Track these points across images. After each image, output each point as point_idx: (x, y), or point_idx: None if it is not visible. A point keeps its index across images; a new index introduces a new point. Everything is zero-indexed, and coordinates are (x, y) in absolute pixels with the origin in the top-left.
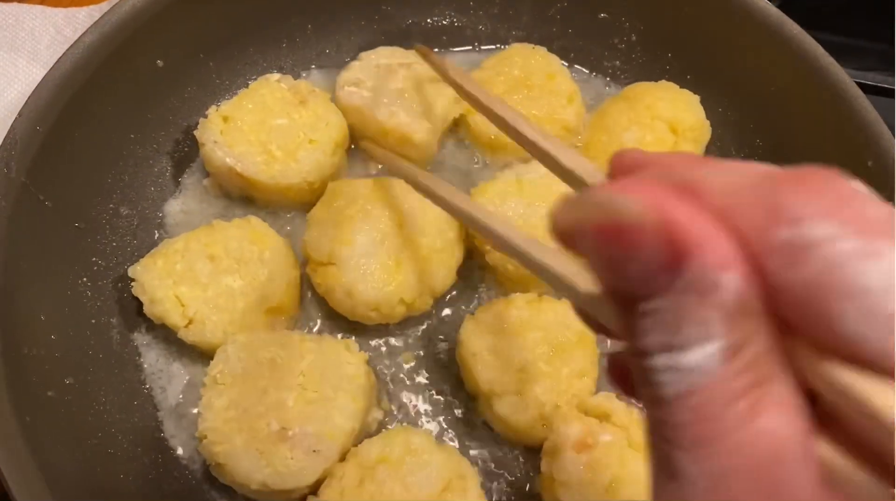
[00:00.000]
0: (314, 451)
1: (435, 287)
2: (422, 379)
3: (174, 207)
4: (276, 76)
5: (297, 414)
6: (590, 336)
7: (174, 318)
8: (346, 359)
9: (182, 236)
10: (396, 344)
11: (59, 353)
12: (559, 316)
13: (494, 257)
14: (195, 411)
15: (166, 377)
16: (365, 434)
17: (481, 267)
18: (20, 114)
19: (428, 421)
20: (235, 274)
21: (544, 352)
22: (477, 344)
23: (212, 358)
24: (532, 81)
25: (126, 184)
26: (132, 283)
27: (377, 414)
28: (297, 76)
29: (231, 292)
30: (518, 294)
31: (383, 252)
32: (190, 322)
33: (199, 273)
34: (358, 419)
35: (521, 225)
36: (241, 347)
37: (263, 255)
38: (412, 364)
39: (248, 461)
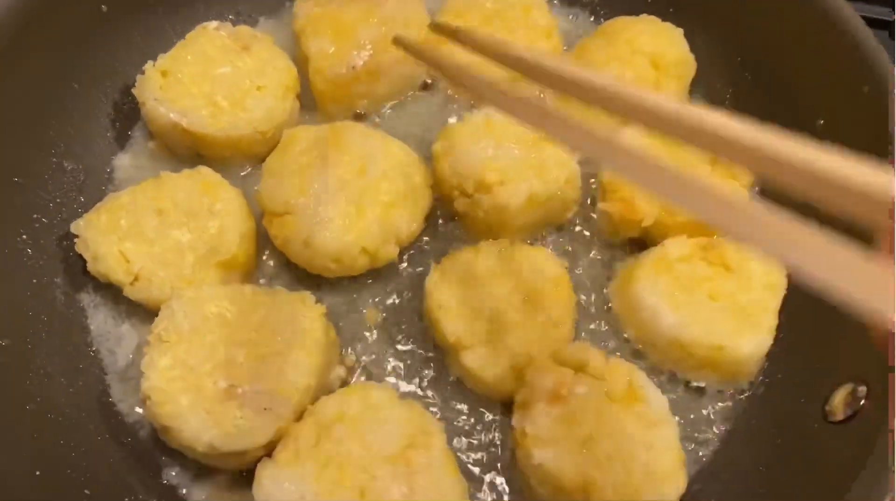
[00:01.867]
0: (265, 409)
1: (400, 235)
2: (388, 334)
3: (124, 161)
4: (213, 24)
5: (247, 371)
6: (565, 281)
7: (119, 275)
8: (301, 313)
9: (128, 190)
10: (360, 300)
11: None
12: (532, 263)
13: (464, 203)
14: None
15: (114, 338)
16: (326, 392)
17: (450, 217)
18: None
19: (397, 379)
20: (184, 228)
21: (516, 301)
22: (444, 294)
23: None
24: (507, 14)
25: (70, 138)
26: (75, 240)
27: (339, 372)
28: (254, 23)
29: (179, 246)
30: (488, 241)
31: (343, 199)
32: (135, 278)
33: (146, 227)
34: (314, 375)
35: (491, 166)
36: (187, 302)
37: (214, 207)
38: (378, 319)
39: (194, 421)
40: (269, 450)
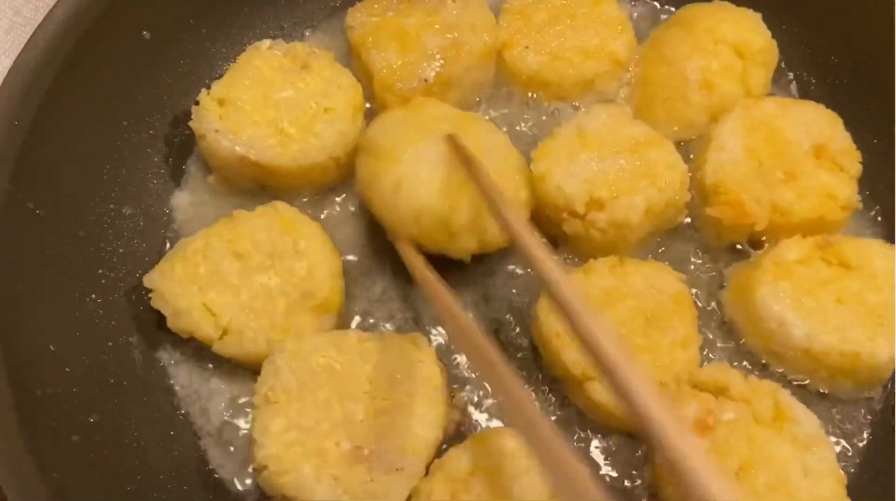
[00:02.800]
0: (397, 470)
1: (484, 234)
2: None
3: (182, 201)
4: (266, 43)
5: (369, 429)
6: (687, 298)
7: (206, 330)
8: (416, 357)
9: (200, 233)
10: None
11: (78, 388)
12: (648, 280)
13: (575, 225)
14: (243, 434)
15: (204, 397)
16: (444, 438)
17: (553, 241)
18: None
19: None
20: (270, 271)
21: (638, 323)
22: (558, 321)
23: (255, 372)
24: (575, 10)
25: (125, 180)
26: (149, 294)
27: (454, 415)
28: (301, 37)
29: (268, 292)
30: (596, 259)
31: (447, 171)
32: (225, 332)
33: (227, 274)
34: (440, 426)
35: (600, 181)
36: (291, 356)
37: (298, 245)
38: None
39: (321, 490)
40: None
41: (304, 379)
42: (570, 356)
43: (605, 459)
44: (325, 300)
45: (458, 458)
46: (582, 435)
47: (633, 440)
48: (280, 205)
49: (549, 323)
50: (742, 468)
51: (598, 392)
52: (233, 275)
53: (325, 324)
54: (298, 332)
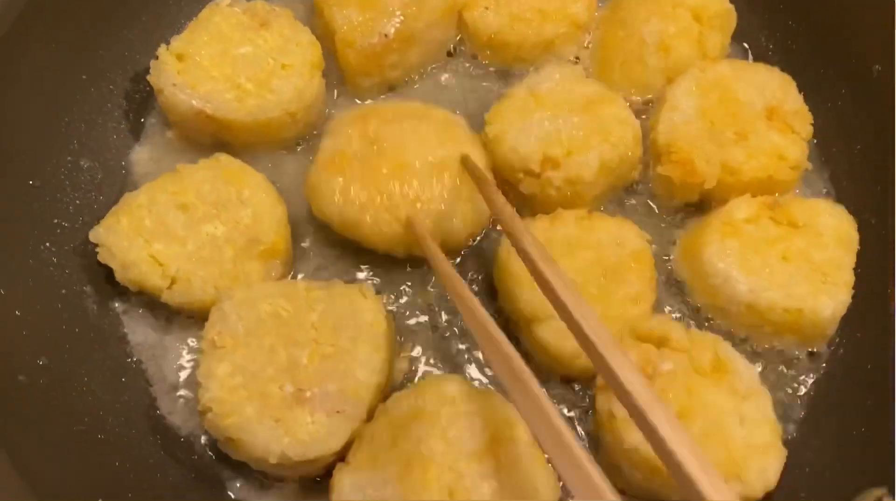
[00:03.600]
0: (338, 412)
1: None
2: (446, 316)
3: (141, 156)
4: (226, 0)
5: (313, 373)
6: (647, 256)
7: (154, 281)
8: (361, 306)
9: (144, 187)
10: (411, 286)
11: (27, 331)
12: (612, 234)
13: (531, 184)
14: (193, 382)
15: (156, 345)
16: (390, 388)
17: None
18: None
19: (461, 361)
20: (215, 221)
21: (594, 274)
22: (518, 264)
23: (205, 320)
24: None
25: (83, 133)
26: (97, 249)
27: (401, 364)
28: None
29: (214, 241)
30: (565, 210)
31: None
32: (173, 282)
33: (173, 225)
34: (383, 371)
35: (554, 139)
36: (239, 303)
37: (243, 195)
38: (432, 303)
39: (263, 432)
40: (340, 455)
41: (250, 325)
42: (522, 296)
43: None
44: (272, 246)
45: (401, 403)
46: None
47: (574, 390)
48: (223, 157)
49: (508, 264)
50: (679, 415)
51: (545, 333)
52: (179, 227)
53: (273, 272)
54: (247, 280)
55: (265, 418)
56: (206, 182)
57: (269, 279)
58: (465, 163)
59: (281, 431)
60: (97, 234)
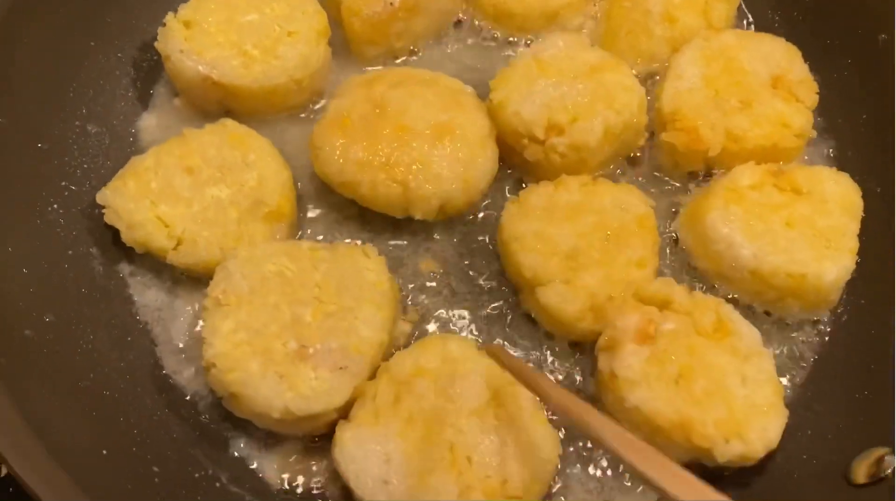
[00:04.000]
0: (340, 368)
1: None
2: (450, 282)
3: (149, 123)
4: None
5: (316, 330)
6: (651, 221)
7: (159, 241)
8: (364, 265)
9: (151, 151)
10: (424, 246)
11: (34, 289)
12: (617, 200)
13: (536, 150)
14: (198, 344)
15: (162, 307)
16: (393, 348)
17: (520, 170)
18: None
19: (464, 324)
20: (220, 184)
21: (597, 238)
22: (520, 227)
23: (211, 281)
24: None
25: (91, 99)
26: (104, 210)
27: (404, 327)
28: None
29: (219, 203)
30: (569, 175)
31: None
32: (178, 242)
33: (179, 188)
34: (385, 329)
35: (558, 105)
36: (243, 262)
37: (248, 158)
38: (434, 268)
39: (266, 386)
40: (342, 413)
41: (254, 284)
42: (525, 260)
43: (552, 363)
44: (277, 208)
45: (403, 360)
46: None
47: (576, 348)
48: (229, 122)
49: (511, 227)
50: (681, 375)
51: (547, 296)
52: (184, 189)
53: (278, 235)
54: (251, 241)
55: (268, 373)
56: (212, 146)
57: (273, 241)
58: (493, 353)
59: (284, 386)
60: (104, 196)
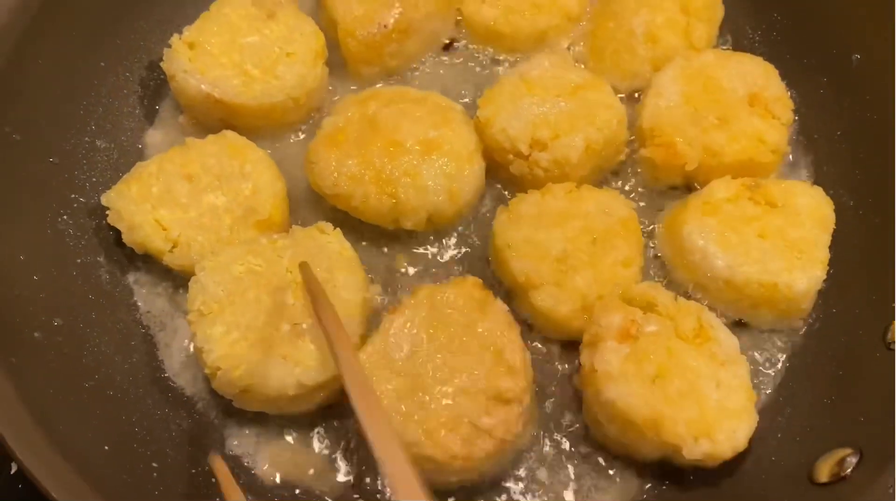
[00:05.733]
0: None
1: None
2: None
3: (155, 138)
4: None
5: (302, 308)
6: (634, 223)
7: (157, 243)
8: (325, 240)
9: (155, 158)
10: (415, 257)
11: (44, 294)
12: (601, 205)
13: (520, 165)
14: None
15: (165, 316)
16: (371, 310)
17: (505, 185)
18: None
19: None
20: (217, 191)
21: (584, 242)
22: (512, 235)
23: None
24: None
25: (100, 116)
26: (107, 212)
27: (376, 288)
28: None
29: (215, 210)
30: (555, 184)
31: None
32: (174, 245)
33: (178, 194)
34: (363, 289)
35: (541, 122)
36: (212, 271)
37: (245, 169)
38: (429, 278)
39: (274, 371)
40: None
41: (229, 287)
42: (518, 265)
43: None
44: (268, 217)
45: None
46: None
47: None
48: (230, 134)
49: (504, 235)
50: (658, 375)
51: (541, 299)
52: (183, 195)
53: None
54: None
55: (272, 358)
56: (212, 156)
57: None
58: (303, 269)
59: (290, 364)
60: (108, 198)
